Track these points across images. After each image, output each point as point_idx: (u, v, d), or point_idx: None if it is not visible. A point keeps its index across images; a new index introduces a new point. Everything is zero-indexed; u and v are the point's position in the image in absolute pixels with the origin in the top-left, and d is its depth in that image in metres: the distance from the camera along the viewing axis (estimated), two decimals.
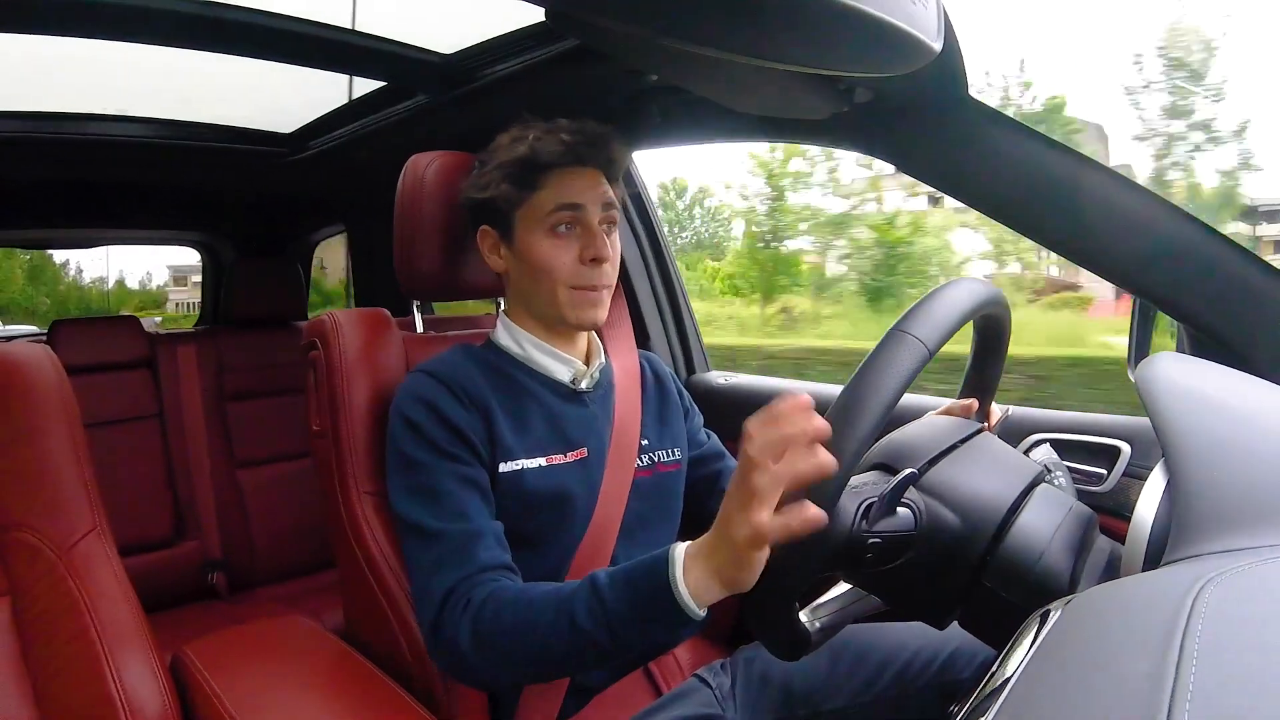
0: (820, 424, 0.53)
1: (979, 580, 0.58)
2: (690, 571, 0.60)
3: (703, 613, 0.61)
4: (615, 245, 0.86)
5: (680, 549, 0.62)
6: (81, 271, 15.35)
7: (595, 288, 0.84)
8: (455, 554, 0.73)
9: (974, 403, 0.76)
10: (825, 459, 0.52)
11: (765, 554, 0.56)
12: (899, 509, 0.59)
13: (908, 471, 0.59)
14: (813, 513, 0.52)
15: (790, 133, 0.99)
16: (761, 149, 7.32)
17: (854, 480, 0.61)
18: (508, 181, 0.83)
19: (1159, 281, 0.76)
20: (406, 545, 0.78)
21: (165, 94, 1.34)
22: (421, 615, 0.75)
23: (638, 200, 1.40)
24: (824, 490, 0.53)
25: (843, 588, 0.69)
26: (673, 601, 0.60)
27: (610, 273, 0.85)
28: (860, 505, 0.59)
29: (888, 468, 0.62)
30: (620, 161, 0.87)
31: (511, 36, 1.07)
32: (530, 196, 0.83)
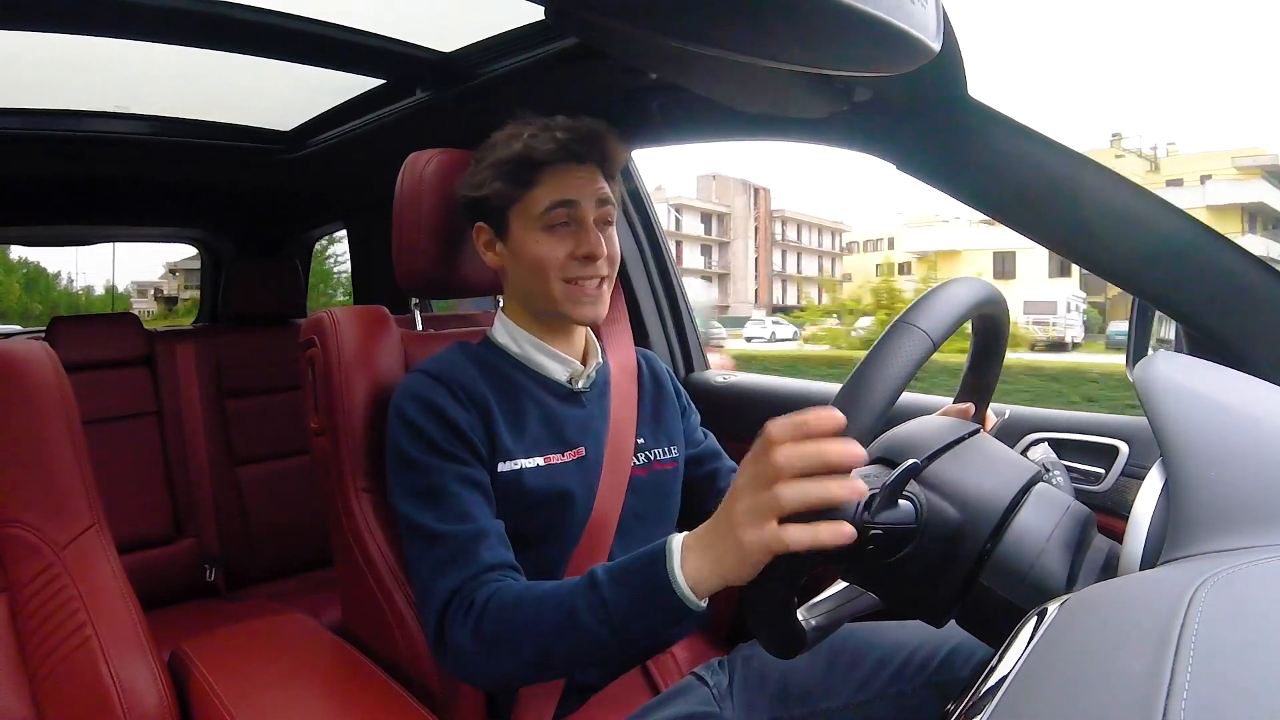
0: (856, 451, 0.51)
1: (976, 578, 0.58)
2: (688, 562, 0.60)
3: (703, 604, 0.61)
4: (612, 242, 0.86)
5: (678, 540, 0.62)
6: (73, 281, 17.22)
7: (592, 278, 0.84)
8: (458, 555, 0.73)
9: (970, 407, 0.76)
10: (860, 487, 0.52)
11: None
12: (901, 501, 0.59)
13: (910, 462, 0.59)
14: (847, 530, 0.51)
15: (789, 132, 0.98)
16: None
17: (855, 472, 0.61)
18: (502, 179, 0.83)
19: (1157, 281, 0.76)
20: (409, 546, 0.78)
21: (165, 91, 1.34)
22: (425, 617, 0.75)
23: (636, 198, 1.40)
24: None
25: (839, 586, 0.69)
26: (672, 594, 0.60)
27: (606, 269, 0.85)
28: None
29: (889, 461, 0.62)
30: (617, 159, 0.87)
31: (511, 35, 1.07)
32: (525, 194, 0.83)
